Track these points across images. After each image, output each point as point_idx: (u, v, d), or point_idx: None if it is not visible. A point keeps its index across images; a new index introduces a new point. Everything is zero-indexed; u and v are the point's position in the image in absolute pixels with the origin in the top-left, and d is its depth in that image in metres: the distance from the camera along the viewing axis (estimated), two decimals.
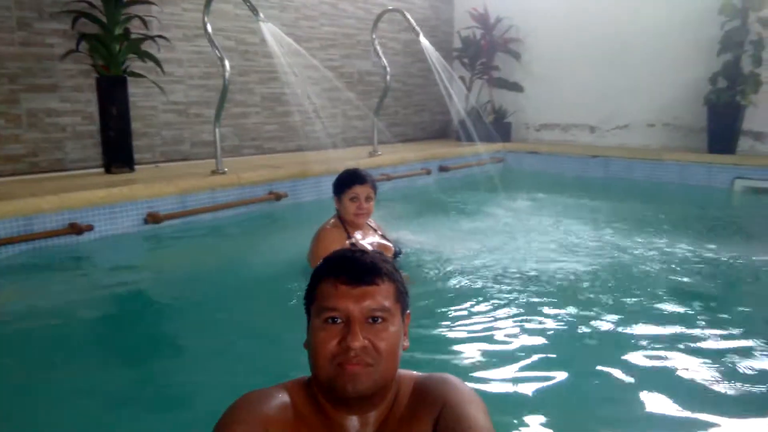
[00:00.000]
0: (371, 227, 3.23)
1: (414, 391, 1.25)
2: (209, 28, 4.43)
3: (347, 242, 3.05)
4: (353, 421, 1.21)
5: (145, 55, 4.70)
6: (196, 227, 4.09)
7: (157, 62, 4.76)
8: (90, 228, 3.55)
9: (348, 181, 3.05)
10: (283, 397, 1.22)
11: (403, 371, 1.26)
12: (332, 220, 3.16)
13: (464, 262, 3.33)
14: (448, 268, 3.23)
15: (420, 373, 1.30)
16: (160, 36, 4.82)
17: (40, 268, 3.31)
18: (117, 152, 4.64)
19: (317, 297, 1.21)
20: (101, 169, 4.74)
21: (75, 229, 3.50)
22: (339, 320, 1.17)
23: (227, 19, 5.74)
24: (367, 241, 3.13)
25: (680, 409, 1.91)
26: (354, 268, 1.19)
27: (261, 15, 4.27)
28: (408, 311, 1.28)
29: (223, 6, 5.66)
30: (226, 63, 4.43)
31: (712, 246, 3.73)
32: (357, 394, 1.15)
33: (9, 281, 3.11)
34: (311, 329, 1.21)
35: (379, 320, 1.18)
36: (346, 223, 3.10)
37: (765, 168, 5.60)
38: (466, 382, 1.27)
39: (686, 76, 6.52)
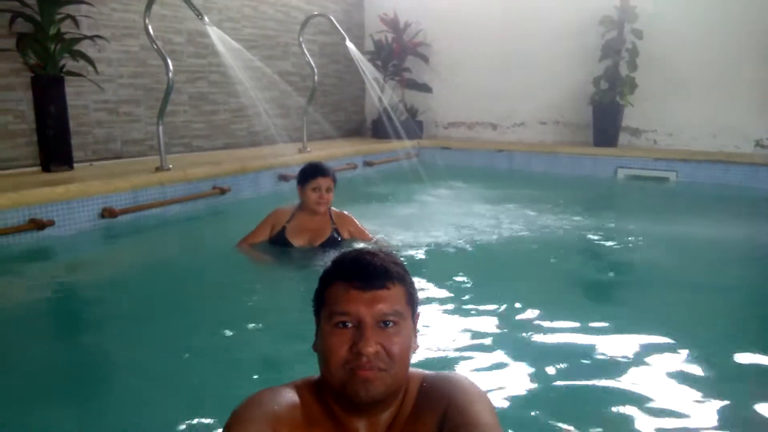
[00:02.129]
0: (326, 222, 3.50)
1: (421, 390, 1.25)
2: (150, 30, 4.59)
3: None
4: (362, 422, 1.21)
5: (78, 55, 4.76)
6: (148, 221, 4.26)
7: (91, 62, 4.84)
8: (51, 223, 3.66)
9: (312, 173, 3.39)
10: (292, 397, 1.22)
11: (410, 370, 1.25)
12: (290, 206, 3.50)
13: (410, 242, 3.79)
14: (396, 251, 3.68)
15: (427, 372, 1.30)
16: (97, 36, 4.89)
17: (3, 263, 3.40)
18: (56, 151, 4.67)
19: (327, 301, 1.21)
20: (37, 168, 4.75)
21: (36, 224, 3.60)
22: (350, 324, 1.16)
23: (154, 19, 5.81)
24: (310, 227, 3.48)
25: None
26: (365, 272, 1.18)
27: (206, 18, 4.48)
28: (418, 312, 1.28)
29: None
30: (169, 63, 4.60)
31: (600, 223, 4.54)
32: (370, 399, 1.15)
33: None
34: (321, 334, 1.20)
35: (391, 324, 1.17)
36: (306, 211, 3.46)
37: (641, 158, 6.57)
38: (473, 381, 1.27)
39: (573, 79, 7.41)
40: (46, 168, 4.65)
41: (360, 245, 3.43)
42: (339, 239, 3.49)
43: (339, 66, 8.33)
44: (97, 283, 3.29)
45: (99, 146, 5.44)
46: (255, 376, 2.13)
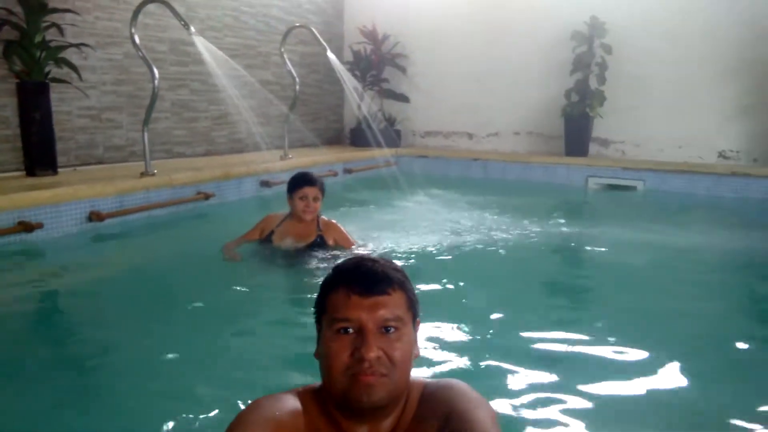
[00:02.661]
0: (317, 226, 3.61)
1: (422, 397, 1.25)
2: (137, 39, 4.68)
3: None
4: (364, 429, 1.22)
5: (63, 62, 4.83)
6: (134, 224, 4.35)
7: (75, 69, 4.91)
8: (40, 226, 3.73)
9: (299, 182, 3.51)
10: (294, 404, 1.22)
11: (411, 378, 1.26)
12: (281, 213, 3.63)
13: (391, 248, 3.93)
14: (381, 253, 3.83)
15: (428, 379, 1.32)
16: (83, 44, 4.97)
17: None
18: (41, 156, 4.73)
19: (328, 308, 1.22)
20: (21, 173, 4.79)
21: (25, 226, 3.66)
22: (351, 330, 1.17)
23: (138, 28, 5.89)
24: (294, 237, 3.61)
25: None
26: (366, 278, 1.19)
27: (192, 28, 4.60)
28: (418, 318, 1.29)
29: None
30: (155, 71, 4.70)
31: (571, 229, 4.77)
32: (372, 404, 1.15)
33: None
34: (323, 340, 1.21)
35: (392, 330, 1.18)
36: (294, 218, 3.58)
37: (611, 168, 6.84)
38: (474, 388, 1.28)
39: (545, 92, 7.67)
40: (31, 172, 4.70)
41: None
42: (324, 244, 3.59)
43: (318, 76, 8.48)
44: (85, 284, 3.38)
45: (82, 152, 5.50)
46: (242, 375, 2.20)
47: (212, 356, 2.37)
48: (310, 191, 3.49)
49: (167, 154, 6.34)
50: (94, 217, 4.06)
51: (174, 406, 1.95)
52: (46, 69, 4.77)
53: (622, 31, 6.96)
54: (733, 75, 6.73)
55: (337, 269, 1.26)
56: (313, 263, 3.41)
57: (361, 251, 3.68)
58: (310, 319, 1.31)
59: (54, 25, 4.81)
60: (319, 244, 3.59)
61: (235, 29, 7.07)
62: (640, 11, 7.07)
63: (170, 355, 2.34)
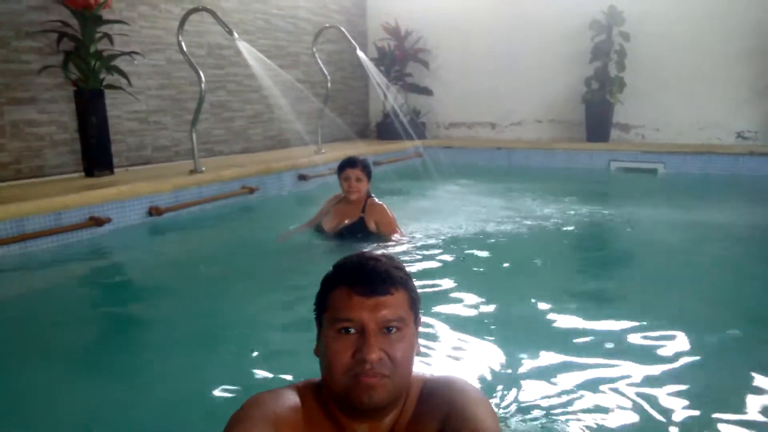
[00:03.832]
0: (357, 209, 3.84)
1: (421, 394, 1.25)
2: (183, 46, 5.04)
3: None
4: (364, 427, 1.22)
5: (115, 70, 5.21)
6: (188, 217, 4.72)
7: (126, 76, 5.28)
8: (109, 220, 4.10)
9: (343, 164, 3.85)
10: (294, 399, 1.22)
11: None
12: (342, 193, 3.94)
13: (427, 234, 4.20)
14: (418, 242, 4.03)
15: (427, 375, 1.31)
16: (134, 52, 5.34)
17: (67, 257, 3.84)
18: (98, 157, 5.11)
19: (329, 306, 1.21)
20: (80, 174, 5.18)
21: (96, 221, 4.04)
22: (353, 330, 1.16)
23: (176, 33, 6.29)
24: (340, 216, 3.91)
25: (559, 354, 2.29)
26: (368, 278, 1.18)
27: (235, 33, 4.93)
28: (420, 317, 1.29)
29: (173, 23, 6.21)
30: (201, 75, 5.05)
31: (597, 210, 5.06)
32: (373, 405, 1.15)
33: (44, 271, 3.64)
34: (324, 339, 1.20)
35: (394, 330, 1.17)
36: (345, 199, 3.89)
37: (632, 152, 7.07)
38: (474, 384, 1.29)
39: (566, 80, 7.90)
40: (89, 173, 5.08)
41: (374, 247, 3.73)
42: (364, 226, 3.80)
43: (344, 73, 8.80)
44: (148, 271, 3.74)
45: (132, 153, 5.89)
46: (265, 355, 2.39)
47: (245, 336, 2.61)
48: (352, 172, 3.79)
49: (207, 152, 6.71)
50: (154, 211, 4.43)
51: (208, 376, 2.19)
52: (101, 76, 5.15)
53: (640, 18, 7.17)
54: (749, 57, 6.91)
55: (339, 267, 1.24)
56: (351, 248, 3.64)
57: (400, 240, 3.82)
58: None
59: (106, 35, 5.19)
60: (359, 225, 3.79)
61: (266, 31, 7.41)
62: None
63: (211, 331, 2.65)
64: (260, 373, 2.21)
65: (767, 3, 6.76)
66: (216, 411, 1.70)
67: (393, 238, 3.80)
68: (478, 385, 1.36)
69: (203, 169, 5.13)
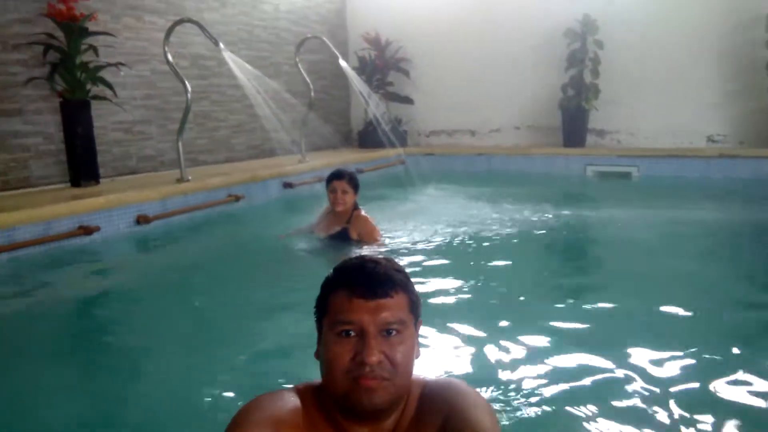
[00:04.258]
0: (343, 219, 3.98)
1: (421, 397, 1.26)
2: (170, 57, 5.13)
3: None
4: (364, 430, 1.22)
5: (100, 81, 5.28)
6: (176, 225, 4.79)
7: (111, 87, 5.35)
8: (98, 229, 4.17)
9: (330, 177, 3.97)
10: (294, 401, 1.23)
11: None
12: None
13: (412, 238, 4.33)
14: (404, 243, 4.20)
15: (427, 378, 1.32)
16: (120, 63, 5.41)
17: (58, 265, 3.89)
18: (84, 168, 5.17)
19: (330, 309, 1.21)
20: (66, 184, 5.23)
21: (85, 230, 4.11)
22: (353, 333, 1.17)
23: (160, 45, 6.35)
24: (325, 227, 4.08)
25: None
26: (368, 281, 1.18)
27: (221, 44, 5.03)
28: (420, 319, 1.29)
29: (157, 34, 6.29)
30: (188, 85, 5.14)
31: (574, 213, 5.24)
32: (373, 408, 1.16)
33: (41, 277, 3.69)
34: (324, 342, 1.22)
35: (394, 333, 1.18)
36: (333, 210, 4.01)
37: (607, 156, 7.29)
38: (473, 387, 1.29)
39: (542, 87, 8.10)
40: (75, 183, 5.13)
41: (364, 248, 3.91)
42: (347, 236, 3.95)
43: (326, 82, 8.92)
44: (138, 278, 3.80)
45: (117, 163, 5.94)
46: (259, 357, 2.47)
47: (237, 338, 2.70)
48: (338, 185, 3.92)
49: (192, 162, 6.76)
50: (142, 220, 4.50)
51: (204, 379, 2.25)
52: (87, 87, 5.21)
53: (613, 26, 7.40)
54: (718, 63, 7.18)
55: (339, 270, 1.25)
56: (334, 255, 3.76)
57: (381, 249, 3.96)
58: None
59: (91, 47, 5.26)
60: (341, 235, 3.95)
61: (248, 42, 7.52)
62: (629, 7, 7.51)
63: (202, 335, 2.74)
64: (259, 376, 2.27)
65: (733, 11, 7.03)
66: (215, 415, 1.79)
67: (373, 245, 3.97)
68: (476, 387, 1.30)
69: (189, 178, 5.21)
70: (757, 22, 6.69)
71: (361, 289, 1.17)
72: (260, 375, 2.29)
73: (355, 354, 1.15)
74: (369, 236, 3.98)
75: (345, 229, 3.99)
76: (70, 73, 5.03)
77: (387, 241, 4.14)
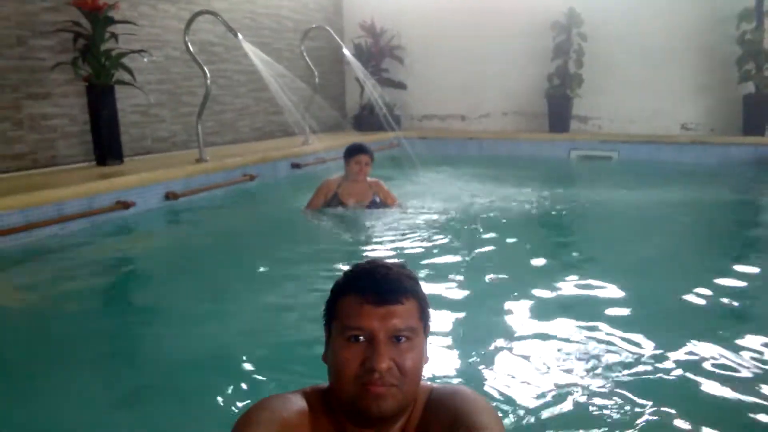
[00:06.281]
0: (367, 188, 4.50)
1: (427, 403, 1.25)
2: (190, 45, 5.50)
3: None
4: None
5: (122, 67, 5.63)
6: (198, 203, 5.20)
7: (131, 72, 5.70)
8: (134, 204, 4.57)
9: (355, 150, 4.42)
10: (301, 404, 1.22)
11: None
12: (336, 177, 4.51)
13: (416, 216, 4.76)
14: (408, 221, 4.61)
15: (433, 384, 1.31)
16: (142, 50, 5.77)
17: (101, 236, 4.29)
18: (109, 148, 5.54)
19: (339, 314, 1.20)
20: (92, 163, 5.59)
21: (123, 205, 4.51)
22: (362, 339, 1.16)
23: (173, 32, 6.71)
24: (357, 196, 4.52)
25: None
26: (379, 286, 1.17)
27: (240, 35, 5.41)
28: (429, 325, 1.28)
29: (170, 22, 6.64)
30: (207, 71, 5.52)
31: (558, 193, 5.75)
32: (381, 414, 1.15)
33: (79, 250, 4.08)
34: (332, 346, 1.21)
35: (404, 339, 1.16)
36: (349, 180, 4.45)
37: (590, 141, 7.86)
38: (480, 393, 1.29)
39: (530, 76, 8.61)
40: (102, 162, 5.50)
41: (386, 211, 4.43)
42: (378, 201, 4.50)
43: (323, 68, 9.28)
44: (170, 248, 4.22)
45: (135, 144, 6.30)
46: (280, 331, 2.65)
47: (258, 309, 2.88)
48: (363, 158, 4.40)
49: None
50: (171, 196, 4.90)
51: (215, 347, 2.44)
52: (111, 72, 5.55)
53: (596, 19, 7.91)
54: (693, 58, 7.76)
55: (349, 274, 1.24)
56: (379, 227, 4.19)
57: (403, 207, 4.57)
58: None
59: (112, 34, 5.59)
60: (375, 203, 4.47)
61: (252, 29, 7.86)
62: (612, 3, 8.03)
63: (220, 305, 2.96)
64: (266, 369, 2.27)
65: (708, 10, 7.58)
66: (222, 414, 1.90)
67: (395, 207, 4.55)
68: (483, 394, 1.34)
69: (207, 158, 5.61)
70: (729, 21, 7.26)
71: (372, 295, 1.17)
72: (272, 369, 2.28)
73: (364, 360, 1.14)
74: (389, 198, 4.57)
75: (375, 195, 4.51)
76: (96, 60, 5.37)
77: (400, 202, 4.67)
